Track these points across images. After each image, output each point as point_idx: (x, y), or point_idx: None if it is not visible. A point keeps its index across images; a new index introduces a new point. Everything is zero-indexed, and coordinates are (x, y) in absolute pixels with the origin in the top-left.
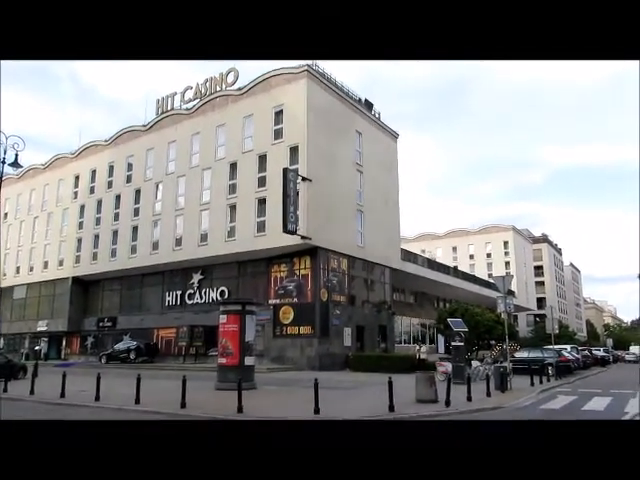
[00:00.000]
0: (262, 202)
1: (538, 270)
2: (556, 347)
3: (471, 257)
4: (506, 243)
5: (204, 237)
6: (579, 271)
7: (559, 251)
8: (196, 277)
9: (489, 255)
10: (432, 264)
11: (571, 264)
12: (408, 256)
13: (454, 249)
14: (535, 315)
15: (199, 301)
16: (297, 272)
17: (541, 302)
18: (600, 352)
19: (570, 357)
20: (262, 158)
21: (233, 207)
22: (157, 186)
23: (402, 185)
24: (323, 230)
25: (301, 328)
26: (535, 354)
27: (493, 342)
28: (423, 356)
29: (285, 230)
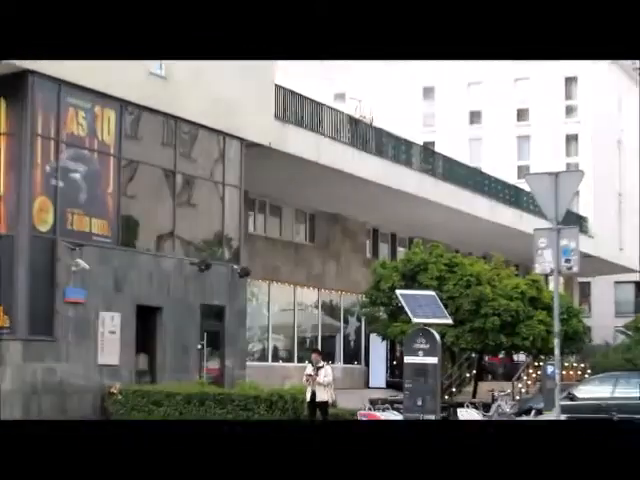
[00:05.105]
0: None
1: None
2: None
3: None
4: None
5: None
6: None
7: None
8: None
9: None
10: (363, 136)
11: None
12: (297, 107)
13: (425, 97)
14: (639, 285)
15: None
16: None
17: None
18: None
19: None
20: None
21: None
22: None
23: None
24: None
25: None
26: (629, 390)
27: (524, 356)
28: (324, 396)
29: None
